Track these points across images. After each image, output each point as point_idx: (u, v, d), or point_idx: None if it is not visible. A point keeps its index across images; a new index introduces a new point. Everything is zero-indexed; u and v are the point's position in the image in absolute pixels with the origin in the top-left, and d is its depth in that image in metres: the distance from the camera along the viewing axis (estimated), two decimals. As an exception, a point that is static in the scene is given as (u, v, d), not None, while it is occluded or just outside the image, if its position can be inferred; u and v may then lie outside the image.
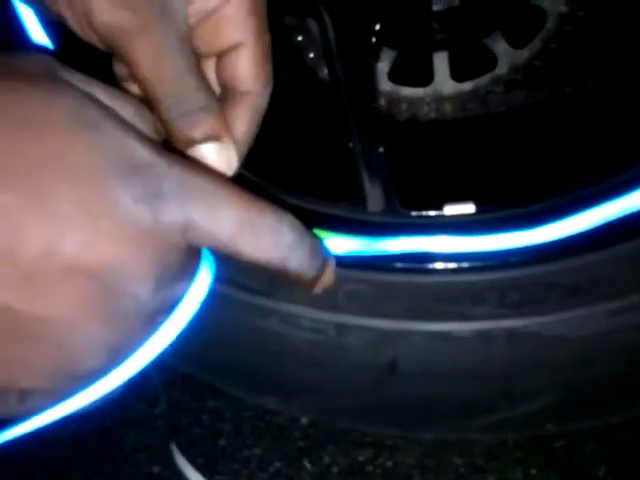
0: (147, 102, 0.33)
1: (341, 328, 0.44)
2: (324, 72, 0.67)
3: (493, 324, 0.42)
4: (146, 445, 0.83)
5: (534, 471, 0.74)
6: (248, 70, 0.36)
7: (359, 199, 0.50)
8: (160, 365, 0.84)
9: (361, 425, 0.55)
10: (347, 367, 0.45)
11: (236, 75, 0.36)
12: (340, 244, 0.44)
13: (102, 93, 0.30)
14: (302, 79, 0.69)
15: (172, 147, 0.33)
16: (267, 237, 0.31)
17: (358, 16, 0.50)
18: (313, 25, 0.68)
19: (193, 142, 0.33)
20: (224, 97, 0.36)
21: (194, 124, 0.33)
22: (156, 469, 0.81)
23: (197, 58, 0.34)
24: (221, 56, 0.36)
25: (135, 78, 0.33)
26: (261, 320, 0.44)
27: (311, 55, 0.69)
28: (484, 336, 0.42)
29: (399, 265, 0.44)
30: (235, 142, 0.35)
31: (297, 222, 0.32)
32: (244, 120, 0.36)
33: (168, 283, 0.30)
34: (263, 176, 0.50)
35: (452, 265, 0.44)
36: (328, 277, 0.35)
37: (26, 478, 0.81)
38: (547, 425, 0.46)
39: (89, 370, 0.30)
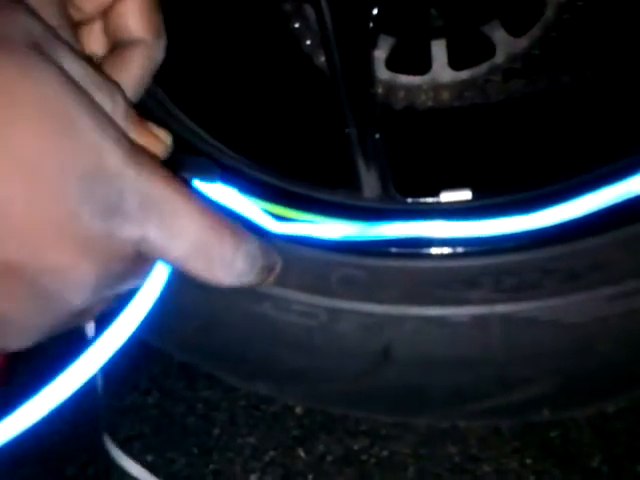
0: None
1: (334, 313, 0.44)
2: (321, 59, 0.67)
3: (488, 309, 0.42)
4: (140, 434, 0.83)
5: (529, 460, 0.74)
6: (136, 20, 0.35)
7: (355, 186, 0.50)
8: (153, 354, 0.84)
9: (354, 411, 0.55)
10: (340, 353, 0.45)
11: (125, 27, 0.35)
12: (335, 229, 0.44)
13: (81, 69, 0.28)
14: (299, 66, 0.68)
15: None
16: (219, 266, 0.31)
17: (355, 2, 0.50)
18: (310, 12, 0.68)
19: None
20: (114, 51, 0.35)
21: None
22: (150, 458, 0.81)
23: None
24: (107, 13, 0.35)
25: None
26: (254, 305, 0.44)
27: (308, 42, 0.68)
28: (479, 321, 0.42)
29: (394, 250, 0.44)
30: (125, 85, 0.33)
31: (254, 246, 0.32)
32: (136, 64, 0.35)
33: (110, 285, 0.30)
34: (258, 161, 0.50)
35: (447, 250, 0.44)
36: (269, 281, 0.35)
37: (19, 467, 0.81)
38: (542, 412, 0.46)
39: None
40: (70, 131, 0.26)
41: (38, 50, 0.26)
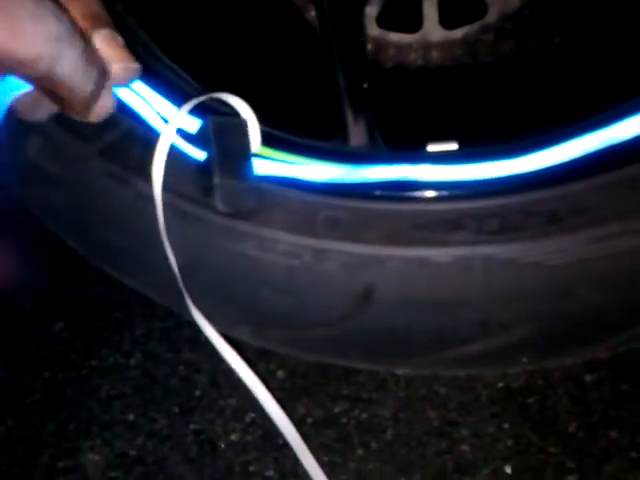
0: None
1: (318, 253, 0.44)
2: (311, 13, 0.66)
3: (471, 250, 0.42)
4: (121, 394, 0.83)
5: (507, 425, 0.75)
6: None
7: (342, 135, 0.50)
8: (136, 317, 0.84)
9: (334, 359, 0.55)
10: (322, 294, 0.45)
11: None
12: (320, 171, 0.43)
13: None
14: (289, 21, 0.68)
15: None
16: (27, 24, 0.26)
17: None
18: (301, -34, 0.67)
19: None
20: None
21: None
22: (131, 417, 0.81)
23: None
24: None
25: None
26: (236, 244, 0.43)
27: (298, -5, 0.68)
28: (462, 262, 0.42)
29: (378, 192, 0.44)
30: None
31: (65, 16, 0.28)
32: None
33: None
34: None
35: (432, 193, 0.44)
36: (106, 101, 0.31)
37: (-1, 423, 0.81)
38: (521, 360, 0.46)
39: None
40: None
41: None
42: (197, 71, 0.54)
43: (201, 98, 0.38)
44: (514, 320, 0.44)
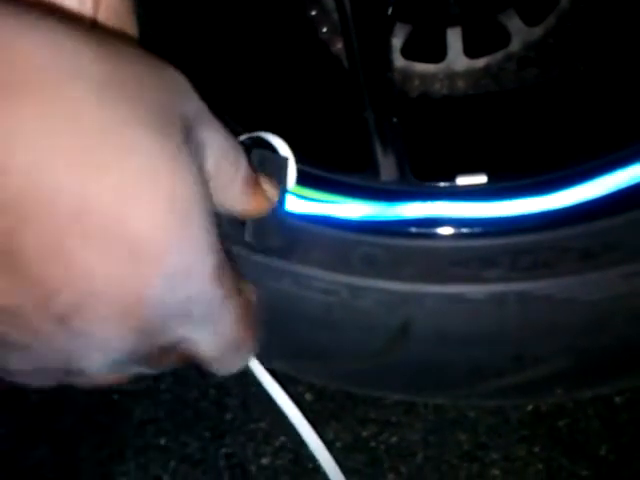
0: None
1: (354, 290, 0.45)
2: (337, 46, 0.68)
3: (505, 287, 0.43)
4: (153, 418, 0.84)
5: (537, 449, 0.75)
6: None
7: (373, 169, 0.51)
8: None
9: (370, 390, 0.55)
10: (359, 329, 0.46)
11: None
12: (356, 209, 0.44)
13: (220, 139, 0.29)
14: (315, 53, 0.69)
15: None
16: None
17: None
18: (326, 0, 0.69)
19: None
20: None
21: None
22: (163, 441, 0.83)
23: None
24: None
25: None
26: (274, 281, 0.44)
27: (324, 29, 0.69)
28: (496, 298, 0.43)
29: (413, 230, 0.45)
30: None
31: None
32: None
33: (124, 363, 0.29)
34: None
35: (466, 230, 0.45)
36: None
37: (33, 448, 0.83)
38: (556, 392, 0.47)
39: None
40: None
41: (186, 134, 0.26)
42: (223, 105, 0.55)
43: (244, 137, 0.39)
44: (548, 354, 0.45)
